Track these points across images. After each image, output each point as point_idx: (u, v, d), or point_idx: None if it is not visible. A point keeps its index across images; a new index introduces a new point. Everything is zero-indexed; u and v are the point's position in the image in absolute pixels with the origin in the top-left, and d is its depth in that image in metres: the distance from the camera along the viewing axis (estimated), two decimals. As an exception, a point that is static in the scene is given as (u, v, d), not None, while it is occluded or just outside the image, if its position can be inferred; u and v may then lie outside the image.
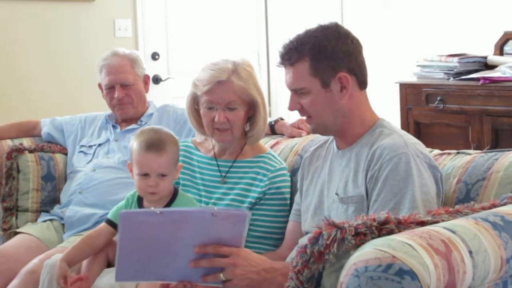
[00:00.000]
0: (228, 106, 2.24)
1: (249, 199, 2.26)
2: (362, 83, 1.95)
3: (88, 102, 4.05)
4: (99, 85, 2.95)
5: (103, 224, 2.13)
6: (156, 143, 2.06)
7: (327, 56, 1.89)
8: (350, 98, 1.92)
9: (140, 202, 2.13)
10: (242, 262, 1.76)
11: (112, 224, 2.10)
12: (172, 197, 2.12)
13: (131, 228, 1.74)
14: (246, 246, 1.82)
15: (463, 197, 1.91)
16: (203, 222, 1.72)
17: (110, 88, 2.87)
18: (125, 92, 2.86)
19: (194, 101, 2.34)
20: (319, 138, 2.30)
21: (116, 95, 2.85)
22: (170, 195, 2.12)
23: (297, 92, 1.95)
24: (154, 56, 4.65)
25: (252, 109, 2.30)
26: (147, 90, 2.98)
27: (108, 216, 2.13)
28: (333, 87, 1.91)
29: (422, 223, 1.50)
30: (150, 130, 2.13)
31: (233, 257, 1.76)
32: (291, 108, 1.98)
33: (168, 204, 2.11)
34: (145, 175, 2.06)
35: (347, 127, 1.95)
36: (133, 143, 2.10)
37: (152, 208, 1.78)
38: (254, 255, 1.82)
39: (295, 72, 1.93)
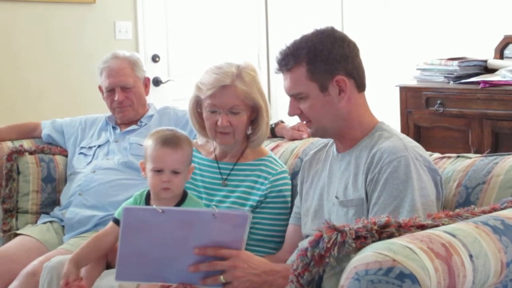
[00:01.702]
0: (232, 110, 2.24)
1: (250, 202, 2.26)
2: (360, 86, 1.95)
3: (88, 104, 4.05)
4: (100, 88, 2.95)
5: (111, 223, 2.12)
6: (172, 140, 2.08)
7: (323, 60, 1.90)
8: (349, 101, 1.93)
9: (147, 202, 2.13)
10: (242, 264, 1.77)
11: (119, 223, 2.08)
12: (181, 199, 2.12)
13: (133, 224, 1.74)
14: (247, 249, 1.82)
15: (463, 201, 1.91)
16: (204, 223, 1.72)
17: (110, 91, 2.86)
18: (125, 95, 2.86)
19: (197, 104, 2.34)
20: (319, 141, 2.30)
21: (116, 98, 2.84)
22: (180, 196, 2.12)
23: (296, 97, 1.95)
24: (155, 58, 4.65)
25: (254, 113, 2.30)
26: (147, 92, 2.98)
27: (115, 215, 2.12)
28: (331, 91, 1.91)
29: (423, 227, 1.50)
30: (165, 129, 2.17)
31: (233, 259, 1.76)
32: (290, 113, 1.98)
33: (177, 206, 2.10)
34: (159, 171, 2.07)
35: (346, 130, 1.95)
36: (148, 140, 2.12)
37: (154, 206, 1.78)
38: (254, 257, 1.82)
39: (293, 77, 1.93)
